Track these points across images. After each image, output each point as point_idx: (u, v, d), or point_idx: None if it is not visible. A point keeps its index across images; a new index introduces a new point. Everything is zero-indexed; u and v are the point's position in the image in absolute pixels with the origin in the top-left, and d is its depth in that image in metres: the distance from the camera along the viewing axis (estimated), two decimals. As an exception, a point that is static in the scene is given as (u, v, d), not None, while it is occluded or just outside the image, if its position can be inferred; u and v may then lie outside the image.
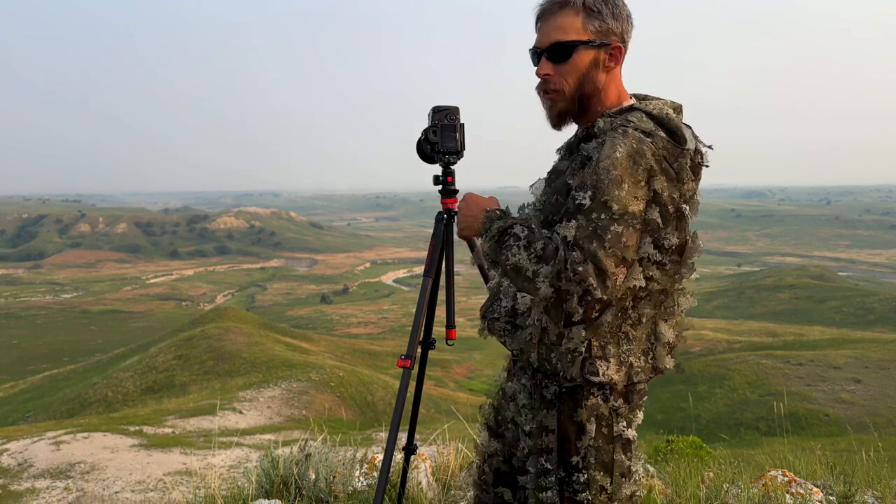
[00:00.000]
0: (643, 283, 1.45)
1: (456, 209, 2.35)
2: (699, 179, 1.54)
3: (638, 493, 1.62)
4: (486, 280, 2.28)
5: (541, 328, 1.50)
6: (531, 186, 1.69)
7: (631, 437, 1.56)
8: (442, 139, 2.25)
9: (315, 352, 39.97)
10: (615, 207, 1.38)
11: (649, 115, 1.49)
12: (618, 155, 1.40)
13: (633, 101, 1.57)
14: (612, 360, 1.48)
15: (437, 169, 2.33)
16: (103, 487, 12.32)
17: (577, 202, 1.41)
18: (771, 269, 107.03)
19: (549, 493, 1.56)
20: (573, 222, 1.40)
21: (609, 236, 1.37)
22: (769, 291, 74.62)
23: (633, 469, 1.58)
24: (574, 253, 1.37)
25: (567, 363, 1.47)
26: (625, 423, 1.54)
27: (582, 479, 1.53)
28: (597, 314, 1.42)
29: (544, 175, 1.69)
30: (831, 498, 3.27)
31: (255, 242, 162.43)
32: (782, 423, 17.73)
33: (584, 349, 1.46)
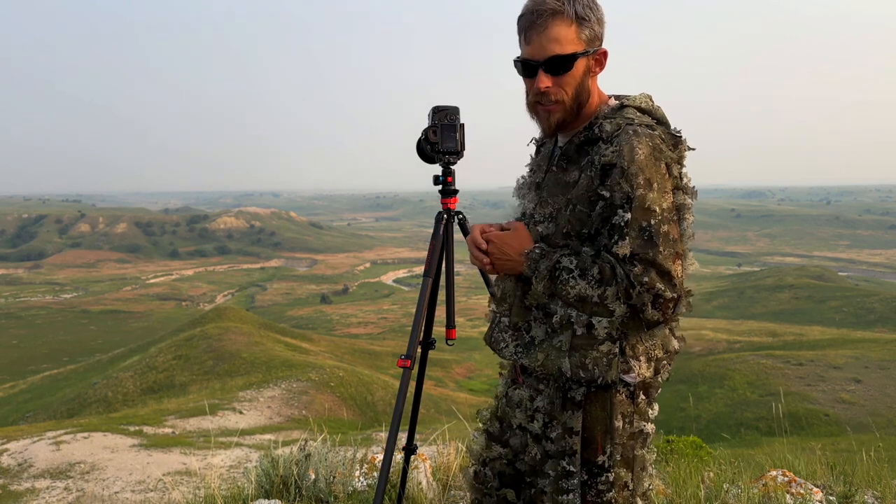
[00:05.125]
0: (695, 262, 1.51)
1: (458, 211, 2.37)
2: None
3: (651, 488, 1.64)
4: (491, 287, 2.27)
5: (571, 337, 1.52)
6: (515, 195, 1.70)
7: (650, 430, 1.59)
8: (442, 139, 2.24)
9: (315, 352, 39.95)
10: (655, 209, 1.42)
11: (639, 110, 1.54)
12: (641, 157, 1.43)
13: (618, 101, 1.59)
14: (642, 357, 1.51)
15: (437, 169, 2.33)
16: (103, 487, 12.31)
17: (623, 220, 1.43)
18: (771, 269, 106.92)
19: (571, 495, 1.56)
20: (626, 240, 1.42)
21: (660, 239, 1.41)
22: (769, 291, 74.60)
23: (650, 461, 1.62)
24: (635, 267, 1.41)
25: (604, 366, 1.49)
26: (644, 418, 1.58)
27: (610, 479, 1.54)
28: (671, 311, 1.45)
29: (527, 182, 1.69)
30: (831, 498, 3.27)
31: (255, 242, 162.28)
32: (782, 423, 17.72)
33: (617, 350, 1.49)
